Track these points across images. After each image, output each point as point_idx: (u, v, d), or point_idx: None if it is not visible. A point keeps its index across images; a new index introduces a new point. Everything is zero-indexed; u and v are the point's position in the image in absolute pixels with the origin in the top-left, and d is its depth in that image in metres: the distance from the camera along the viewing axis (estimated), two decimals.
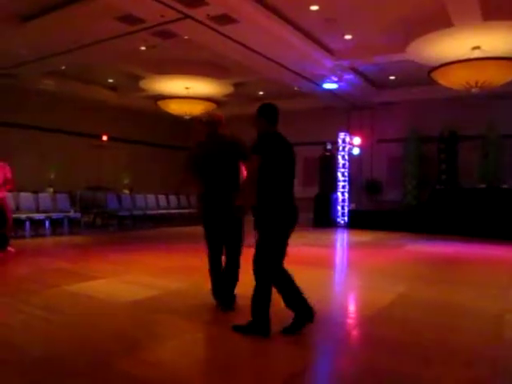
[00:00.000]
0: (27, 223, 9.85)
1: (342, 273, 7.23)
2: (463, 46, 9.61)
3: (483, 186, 13.21)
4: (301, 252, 8.37)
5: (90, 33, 9.66)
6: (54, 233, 10.56)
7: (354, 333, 3.87)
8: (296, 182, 3.70)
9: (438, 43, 9.69)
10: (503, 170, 13.41)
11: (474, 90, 10.42)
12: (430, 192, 13.99)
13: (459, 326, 3.96)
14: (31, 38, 9.94)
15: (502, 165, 13.46)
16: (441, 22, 8.84)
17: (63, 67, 12.61)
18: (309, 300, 3.57)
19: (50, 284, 5.37)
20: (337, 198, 14.53)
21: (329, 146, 14.93)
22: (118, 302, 4.56)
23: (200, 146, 4.34)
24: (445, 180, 14.15)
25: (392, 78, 13.59)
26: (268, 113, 3.70)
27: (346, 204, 14.55)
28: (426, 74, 11.04)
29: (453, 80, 10.72)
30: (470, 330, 3.85)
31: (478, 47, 9.56)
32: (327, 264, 7.74)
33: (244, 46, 10.16)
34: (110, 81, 14.60)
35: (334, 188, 14.62)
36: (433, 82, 11.55)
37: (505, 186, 12.87)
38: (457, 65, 9.96)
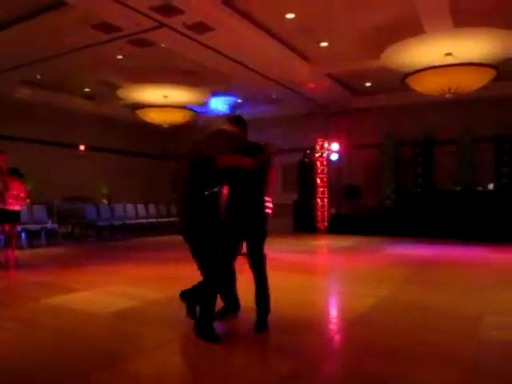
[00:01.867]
0: (2, 236, 9.65)
1: (324, 278, 7.27)
2: (436, 53, 9.81)
3: (458, 188, 13.46)
4: (281, 258, 8.39)
5: (66, 41, 9.56)
6: (31, 245, 10.38)
7: (337, 337, 3.90)
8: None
9: (411, 50, 9.88)
10: (477, 172, 13.70)
11: (447, 96, 10.65)
12: (407, 195, 14.20)
13: (440, 328, 4.03)
14: (5, 47, 9.79)
15: (476, 168, 13.74)
16: (413, 29, 9.02)
17: (38, 76, 12.46)
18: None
19: (27, 297, 5.28)
20: (316, 204, 14.61)
21: (308, 152, 15.02)
22: (98, 314, 4.50)
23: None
24: (421, 183, 14.41)
25: (368, 84, 13.78)
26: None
27: (326, 209, 14.64)
28: (400, 80, 11.23)
29: (426, 86, 10.92)
30: (451, 332, 3.92)
31: (450, 54, 9.77)
32: (308, 269, 7.77)
33: (221, 53, 10.21)
34: (87, 90, 14.46)
35: (314, 193, 14.70)
36: (408, 88, 11.75)
37: (479, 189, 13.14)
38: (430, 71, 10.15)
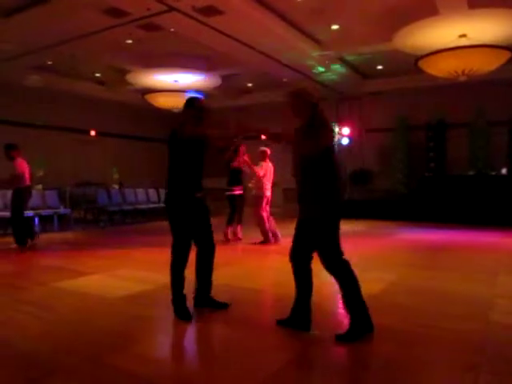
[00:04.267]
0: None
1: None
2: (449, 35, 9.64)
3: (471, 173, 13.32)
4: (290, 243, 8.39)
5: (76, 26, 9.54)
6: (43, 230, 10.50)
7: (347, 321, 3.90)
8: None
9: (424, 32, 9.71)
10: (491, 156, 13.53)
11: (461, 78, 10.47)
12: (419, 180, 14.09)
13: (450, 312, 4.01)
14: (15, 33, 9.79)
15: (489, 152, 13.57)
16: (427, 10, 8.85)
17: (49, 62, 12.47)
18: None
19: (40, 281, 5.35)
20: None
21: None
22: (109, 298, 4.55)
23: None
24: (433, 168, 14.28)
25: (379, 67, 13.60)
26: None
27: None
28: (413, 63, 11.07)
29: (440, 69, 10.75)
30: (462, 316, 3.90)
31: (464, 35, 9.60)
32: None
33: (230, 37, 10.11)
34: (97, 75, 14.47)
35: None
36: (420, 71, 11.58)
37: (493, 173, 12.98)
38: (443, 53, 9.98)
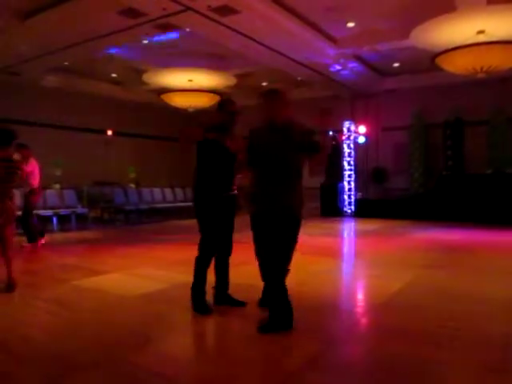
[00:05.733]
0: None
1: (350, 262, 7.23)
2: (467, 31, 9.51)
3: (490, 171, 13.13)
4: (308, 242, 8.37)
5: (92, 28, 9.63)
6: (61, 229, 10.63)
7: (364, 321, 3.88)
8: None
9: (442, 28, 9.60)
10: (510, 154, 13.31)
11: (479, 75, 10.32)
12: (437, 178, 13.93)
13: (468, 312, 3.96)
14: (33, 35, 9.93)
15: (508, 150, 13.35)
16: (444, 6, 8.75)
17: (66, 63, 12.61)
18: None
19: (59, 279, 5.41)
20: (343, 187, 14.49)
21: (334, 135, 14.87)
22: (127, 296, 4.59)
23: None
24: (451, 166, 14.09)
25: (396, 64, 13.48)
26: None
27: (353, 193, 14.51)
28: (430, 60, 10.95)
29: (458, 65, 10.62)
30: (480, 316, 3.85)
31: (482, 31, 9.46)
32: (335, 253, 7.75)
33: (246, 36, 10.12)
34: (114, 75, 14.59)
35: (341, 177, 14.58)
36: (437, 68, 11.45)
37: (510, 171, 12.78)
38: (461, 50, 9.85)
